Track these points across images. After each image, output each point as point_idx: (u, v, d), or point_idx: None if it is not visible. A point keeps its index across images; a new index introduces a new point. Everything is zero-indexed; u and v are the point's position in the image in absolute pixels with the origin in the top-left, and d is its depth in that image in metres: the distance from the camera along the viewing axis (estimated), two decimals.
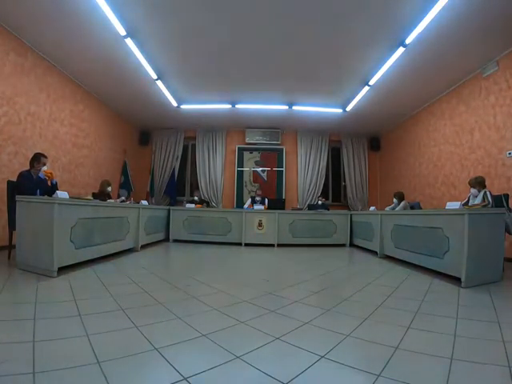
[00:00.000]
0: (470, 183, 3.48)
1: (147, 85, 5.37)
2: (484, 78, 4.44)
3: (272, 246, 5.59)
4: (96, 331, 1.50)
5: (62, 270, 2.71)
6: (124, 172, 7.19)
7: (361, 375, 1.19)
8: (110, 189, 4.64)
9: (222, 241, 5.67)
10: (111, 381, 1.08)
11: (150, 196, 7.74)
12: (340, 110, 6.38)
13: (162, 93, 5.70)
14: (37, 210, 2.67)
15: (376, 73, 4.74)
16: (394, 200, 4.95)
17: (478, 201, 3.29)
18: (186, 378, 1.12)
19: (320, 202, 6.37)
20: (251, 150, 7.93)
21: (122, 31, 3.79)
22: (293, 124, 7.50)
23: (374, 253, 4.70)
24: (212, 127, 7.80)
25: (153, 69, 4.81)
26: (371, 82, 5.05)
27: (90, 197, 3.68)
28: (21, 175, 3.16)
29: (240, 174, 7.88)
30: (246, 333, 1.59)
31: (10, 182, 3.33)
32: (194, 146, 8.12)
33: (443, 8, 3.20)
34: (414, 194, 6.25)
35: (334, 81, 5.20)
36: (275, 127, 7.76)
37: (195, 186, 7.92)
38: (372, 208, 5.68)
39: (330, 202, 8.01)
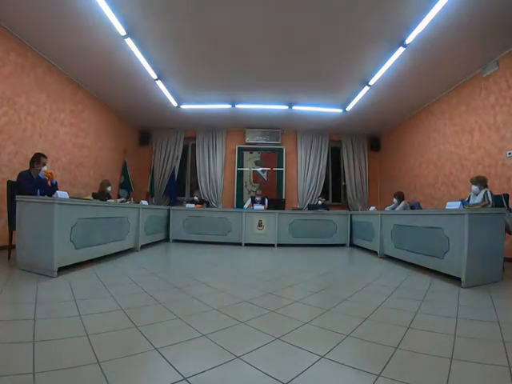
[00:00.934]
0: (471, 181, 3.49)
1: (147, 85, 5.38)
2: (484, 78, 4.44)
3: (272, 246, 5.59)
4: (96, 331, 1.50)
5: (62, 269, 2.71)
6: (124, 172, 7.19)
7: (361, 375, 1.19)
8: (110, 189, 4.64)
9: (222, 241, 5.67)
10: (111, 381, 1.08)
11: (150, 196, 7.74)
12: (340, 110, 6.38)
13: (162, 93, 5.70)
14: (37, 210, 2.67)
15: (376, 73, 4.74)
16: (394, 200, 4.95)
17: (478, 200, 3.29)
18: (186, 378, 1.12)
19: (320, 202, 6.37)
20: (251, 150, 7.93)
21: (122, 31, 3.79)
22: (293, 124, 7.50)
23: (374, 253, 4.70)
24: (212, 127, 7.80)
25: (153, 69, 4.81)
26: (371, 82, 5.05)
27: (89, 197, 3.68)
28: (21, 175, 3.16)
29: (240, 174, 7.88)
30: (246, 333, 1.59)
31: (9, 182, 3.33)
32: (193, 145, 8.12)
33: (443, 8, 3.20)
34: (414, 194, 6.25)
35: (333, 81, 5.20)
36: (275, 127, 7.76)
37: (195, 186, 7.92)
38: (372, 208, 5.68)
39: (330, 202, 8.01)
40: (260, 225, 5.69)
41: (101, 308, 1.86)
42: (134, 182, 7.52)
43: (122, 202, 4.58)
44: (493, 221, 2.77)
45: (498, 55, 4.11)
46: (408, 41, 3.84)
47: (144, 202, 5.09)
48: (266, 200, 6.15)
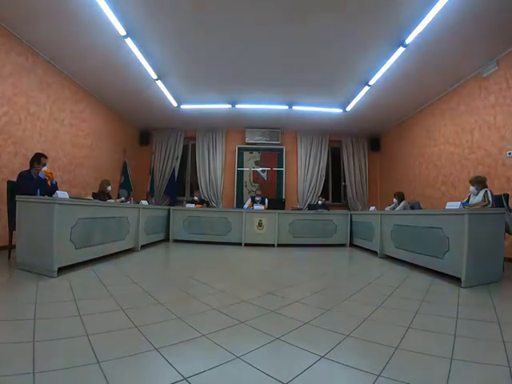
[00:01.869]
0: (470, 181, 3.49)
1: (147, 85, 5.37)
2: (484, 78, 4.43)
3: (272, 245, 5.59)
4: (96, 331, 1.50)
5: (62, 269, 2.71)
6: (124, 172, 7.19)
7: (361, 375, 1.19)
8: (109, 188, 4.64)
9: (222, 241, 5.67)
10: (111, 381, 1.08)
11: (150, 196, 7.74)
12: (340, 110, 6.38)
13: (162, 93, 5.70)
14: (37, 210, 2.67)
15: (376, 73, 4.74)
16: (394, 200, 4.95)
17: (478, 199, 3.29)
18: (185, 378, 1.12)
19: (320, 202, 6.37)
20: (251, 150, 7.93)
21: (122, 31, 3.79)
22: (293, 124, 7.50)
23: (374, 253, 4.70)
24: (212, 127, 7.80)
25: (153, 69, 4.81)
26: (371, 82, 5.05)
27: (89, 197, 3.68)
28: (21, 175, 3.16)
29: (240, 173, 7.88)
30: (246, 333, 1.59)
31: (9, 182, 3.34)
32: (193, 145, 8.12)
33: (443, 8, 3.20)
34: (414, 194, 6.24)
35: (333, 81, 5.20)
36: (275, 127, 7.76)
37: (195, 186, 7.92)
38: (372, 208, 5.68)
39: (330, 201, 8.01)
40: (260, 225, 5.69)
41: (101, 308, 1.86)
42: (134, 181, 7.53)
43: (121, 201, 4.58)
44: (493, 221, 2.77)
45: (498, 55, 4.11)
46: (408, 41, 3.84)
47: (144, 202, 5.08)
48: (266, 200, 6.15)
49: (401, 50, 4.04)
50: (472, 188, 3.42)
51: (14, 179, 3.23)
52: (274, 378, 1.14)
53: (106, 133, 6.47)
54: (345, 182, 8.08)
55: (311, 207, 6.32)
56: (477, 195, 3.37)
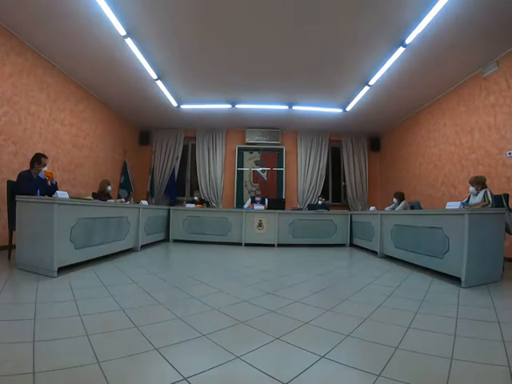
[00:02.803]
0: (469, 181, 3.49)
1: (147, 85, 5.38)
2: (484, 78, 4.43)
3: (272, 245, 5.59)
4: (96, 331, 1.50)
5: (62, 269, 2.71)
6: (124, 172, 7.19)
7: (361, 375, 1.19)
8: (109, 188, 4.64)
9: (222, 241, 5.67)
10: (111, 381, 1.08)
11: (150, 196, 7.74)
12: (340, 110, 6.38)
13: (162, 93, 5.70)
14: (37, 210, 2.67)
15: (376, 73, 4.74)
16: (394, 200, 4.95)
17: (478, 200, 3.29)
18: (185, 378, 1.12)
19: (320, 202, 6.37)
20: (251, 150, 7.93)
21: (122, 31, 3.79)
22: (293, 124, 7.50)
23: (374, 253, 4.70)
24: (212, 127, 7.80)
25: (153, 69, 4.81)
26: (371, 82, 5.05)
27: (89, 197, 3.68)
28: (21, 175, 3.16)
29: (240, 173, 7.88)
30: (246, 333, 1.59)
31: (9, 182, 3.33)
32: (193, 145, 8.12)
33: (443, 8, 3.20)
34: (414, 194, 6.25)
35: (333, 81, 5.20)
36: (275, 127, 7.76)
37: (195, 186, 7.92)
38: (372, 208, 5.68)
39: (330, 202, 8.02)
40: (260, 225, 5.69)
41: (101, 308, 1.86)
42: (134, 181, 7.53)
43: (121, 202, 4.58)
44: (493, 221, 2.77)
45: (498, 55, 4.11)
46: (408, 41, 3.84)
47: (144, 202, 5.09)
48: (266, 200, 6.15)
49: (401, 50, 4.04)
50: (472, 188, 3.42)
51: (14, 179, 3.23)
52: (274, 378, 1.14)
53: (106, 133, 6.47)
54: (345, 181, 8.08)
55: (311, 207, 6.32)
56: (477, 195, 3.37)
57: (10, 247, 3.20)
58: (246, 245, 5.60)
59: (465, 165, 4.87)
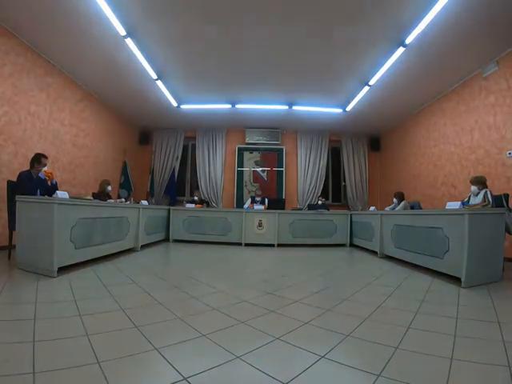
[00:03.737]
0: (470, 181, 3.49)
1: (147, 85, 5.37)
2: (484, 78, 4.43)
3: (272, 245, 5.59)
4: (96, 331, 1.50)
5: (62, 269, 2.71)
6: (124, 172, 7.19)
7: (361, 375, 1.19)
8: (109, 188, 4.64)
9: (222, 241, 5.67)
10: (111, 381, 1.08)
11: (150, 196, 7.74)
12: (340, 110, 6.38)
13: (162, 93, 5.70)
14: (37, 209, 2.67)
15: (376, 73, 4.74)
16: (394, 200, 4.95)
17: (478, 200, 3.29)
18: (185, 378, 1.12)
19: (320, 202, 6.37)
20: (251, 150, 7.93)
21: (122, 31, 3.79)
22: (293, 124, 7.50)
23: (374, 253, 4.70)
24: (212, 127, 7.80)
25: (153, 69, 4.81)
26: (371, 82, 5.05)
27: (89, 197, 3.68)
28: (21, 175, 3.16)
29: (240, 173, 7.88)
30: (246, 333, 1.59)
31: (9, 182, 3.33)
32: (194, 145, 8.12)
33: (443, 8, 3.20)
34: (414, 194, 6.24)
35: (333, 81, 5.20)
36: (275, 127, 7.76)
37: (195, 186, 7.92)
38: (372, 208, 5.67)
39: (330, 201, 8.01)
40: (260, 225, 5.69)
41: (101, 308, 1.86)
42: (134, 181, 7.53)
43: (121, 202, 4.58)
44: (493, 221, 2.77)
45: (498, 55, 4.11)
46: (408, 41, 3.84)
47: (144, 202, 5.08)
48: (266, 200, 6.15)
49: (401, 49, 4.04)
50: (474, 188, 3.42)
51: (14, 179, 3.23)
52: (274, 378, 1.14)
53: (106, 133, 6.47)
54: (345, 181, 8.08)
55: (311, 207, 6.32)
56: (477, 195, 3.37)
57: (10, 247, 3.20)
58: (246, 245, 5.60)
59: (465, 165, 4.87)
